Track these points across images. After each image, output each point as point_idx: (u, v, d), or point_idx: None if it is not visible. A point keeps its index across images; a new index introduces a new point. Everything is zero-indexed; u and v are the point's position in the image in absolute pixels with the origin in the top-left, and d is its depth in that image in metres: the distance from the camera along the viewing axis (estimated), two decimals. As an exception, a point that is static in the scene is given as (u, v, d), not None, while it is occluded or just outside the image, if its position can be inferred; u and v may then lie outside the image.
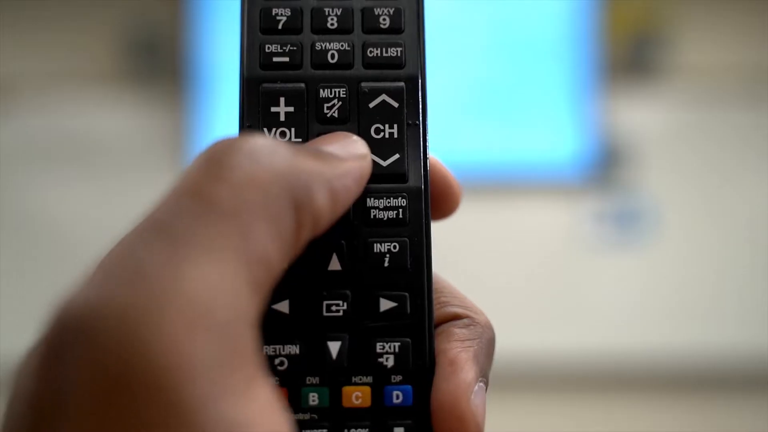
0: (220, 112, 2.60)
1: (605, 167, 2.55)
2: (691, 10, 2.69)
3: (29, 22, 2.83)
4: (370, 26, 0.21)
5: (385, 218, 0.20)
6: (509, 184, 2.59)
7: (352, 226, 0.20)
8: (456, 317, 0.21)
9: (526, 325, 2.46)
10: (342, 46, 0.21)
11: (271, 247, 0.16)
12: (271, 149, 0.17)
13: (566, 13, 2.52)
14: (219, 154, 0.16)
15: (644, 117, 2.62)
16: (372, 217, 0.20)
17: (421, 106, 0.21)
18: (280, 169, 0.17)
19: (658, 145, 2.60)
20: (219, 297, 0.14)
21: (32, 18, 2.80)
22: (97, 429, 0.13)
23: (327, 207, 0.18)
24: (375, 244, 0.20)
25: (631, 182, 2.57)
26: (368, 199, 0.20)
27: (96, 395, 0.13)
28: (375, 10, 0.21)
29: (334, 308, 0.19)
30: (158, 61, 2.69)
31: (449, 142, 2.49)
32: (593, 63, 2.55)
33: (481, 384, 0.19)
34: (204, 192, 0.16)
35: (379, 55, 0.21)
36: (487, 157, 2.59)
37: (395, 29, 0.21)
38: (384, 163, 0.20)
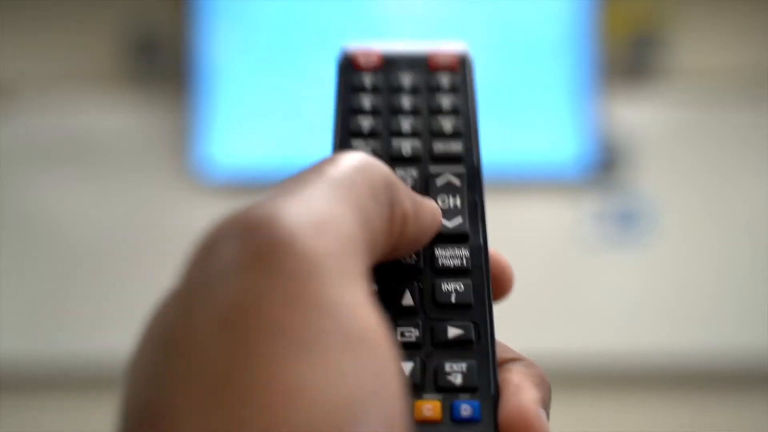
0: (220, 112, 2.61)
1: (604, 167, 2.55)
2: (690, 10, 2.69)
3: (30, 22, 2.84)
4: (437, 130, 0.26)
5: (451, 265, 0.23)
6: (508, 183, 2.59)
7: (423, 270, 0.23)
8: (517, 359, 0.23)
9: (525, 325, 2.46)
10: (414, 143, 0.25)
11: (378, 221, 0.19)
12: (374, 159, 0.21)
13: (566, 12, 2.53)
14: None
15: (643, 117, 2.63)
16: (440, 264, 0.23)
17: (478, 185, 0.25)
18: (382, 170, 0.20)
19: (657, 145, 2.60)
20: (339, 219, 0.18)
21: (33, 18, 2.80)
22: (250, 285, 0.15)
23: (412, 216, 0.21)
24: (443, 284, 0.23)
25: (630, 182, 2.58)
26: (436, 249, 0.23)
27: (247, 262, 0.16)
28: (439, 119, 0.26)
29: (407, 334, 0.22)
30: (159, 61, 2.70)
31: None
32: (593, 63, 2.56)
33: (543, 411, 0.21)
34: (322, 169, 0.19)
35: (443, 150, 0.25)
36: (486, 157, 2.59)
37: (457, 133, 0.25)
38: (450, 225, 0.24)
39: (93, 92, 2.75)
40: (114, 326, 2.49)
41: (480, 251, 0.24)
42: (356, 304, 0.16)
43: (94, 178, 2.65)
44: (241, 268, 0.16)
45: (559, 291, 2.52)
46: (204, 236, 0.17)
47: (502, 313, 0.25)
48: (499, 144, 2.63)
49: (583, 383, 2.45)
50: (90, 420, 2.48)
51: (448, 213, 0.24)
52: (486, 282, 0.23)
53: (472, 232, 0.24)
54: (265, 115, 2.43)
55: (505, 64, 2.47)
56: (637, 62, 2.65)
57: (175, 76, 2.72)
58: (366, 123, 0.25)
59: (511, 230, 2.54)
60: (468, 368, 0.21)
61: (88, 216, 2.67)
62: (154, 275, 2.29)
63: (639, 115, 2.63)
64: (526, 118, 2.58)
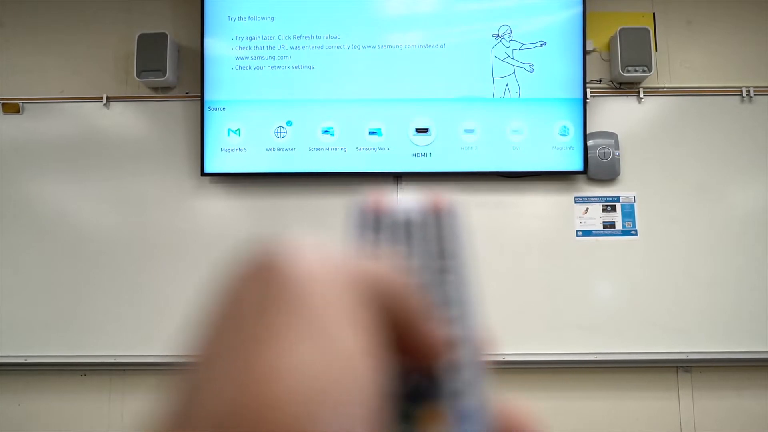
0: (222, 115, 2.65)
1: (596, 164, 2.60)
2: (682, 11, 2.72)
3: (48, 19, 2.83)
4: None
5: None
6: (500, 176, 2.63)
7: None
8: None
9: (507, 315, 2.51)
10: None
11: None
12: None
13: (564, 13, 2.53)
14: None
15: (635, 116, 2.67)
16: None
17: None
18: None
19: (647, 143, 2.64)
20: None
21: (47, 14, 2.82)
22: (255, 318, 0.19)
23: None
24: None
25: (620, 179, 2.63)
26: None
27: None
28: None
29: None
30: (166, 66, 2.70)
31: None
32: (583, 61, 2.60)
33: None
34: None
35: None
36: (485, 157, 2.63)
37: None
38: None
39: (104, 95, 2.75)
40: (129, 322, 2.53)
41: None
42: (338, 318, 0.19)
43: (107, 179, 2.68)
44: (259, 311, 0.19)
45: (547, 284, 2.57)
46: (229, 282, 0.20)
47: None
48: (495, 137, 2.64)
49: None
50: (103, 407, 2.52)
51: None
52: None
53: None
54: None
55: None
56: (628, 60, 2.66)
57: (184, 82, 2.72)
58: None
59: (496, 220, 2.57)
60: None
61: (101, 216, 2.66)
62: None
63: (630, 114, 2.67)
64: (523, 114, 2.60)
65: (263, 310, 0.19)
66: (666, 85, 2.69)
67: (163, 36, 2.65)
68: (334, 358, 0.18)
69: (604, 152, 2.60)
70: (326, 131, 2.64)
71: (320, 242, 0.22)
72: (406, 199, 0.29)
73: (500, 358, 2.19)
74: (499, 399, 0.23)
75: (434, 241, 0.27)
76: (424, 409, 0.22)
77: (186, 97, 2.71)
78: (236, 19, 2.67)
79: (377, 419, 0.19)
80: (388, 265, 0.23)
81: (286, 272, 0.20)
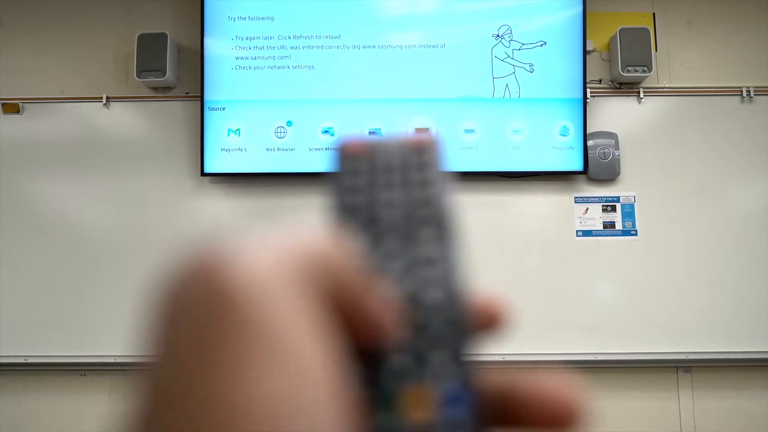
0: (222, 115, 2.65)
1: (596, 164, 2.60)
2: (682, 11, 2.72)
3: (48, 19, 2.83)
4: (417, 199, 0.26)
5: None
6: (500, 176, 2.63)
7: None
8: None
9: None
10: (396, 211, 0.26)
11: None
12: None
13: (564, 12, 2.53)
14: None
15: (635, 116, 2.67)
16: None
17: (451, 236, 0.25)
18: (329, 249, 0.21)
19: (647, 143, 2.64)
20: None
21: (47, 14, 2.82)
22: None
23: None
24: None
25: (620, 179, 2.63)
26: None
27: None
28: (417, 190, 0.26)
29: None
30: (166, 66, 2.70)
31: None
32: (583, 61, 2.60)
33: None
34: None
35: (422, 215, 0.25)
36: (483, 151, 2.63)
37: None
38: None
39: (104, 95, 2.75)
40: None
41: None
42: (295, 333, 0.17)
43: (106, 179, 2.68)
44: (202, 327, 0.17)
45: (547, 283, 2.57)
46: (167, 295, 0.18)
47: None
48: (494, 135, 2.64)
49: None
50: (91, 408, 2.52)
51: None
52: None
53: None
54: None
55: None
56: (628, 60, 2.66)
57: (183, 81, 2.72)
58: (356, 197, 0.26)
59: (496, 219, 2.56)
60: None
61: (102, 217, 2.66)
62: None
63: (630, 113, 2.67)
64: (523, 113, 2.60)
65: (211, 332, 0.17)
66: (666, 85, 2.69)
67: (163, 36, 2.65)
68: (296, 380, 0.17)
69: (604, 152, 2.60)
70: (326, 131, 2.64)
71: (260, 232, 0.20)
72: (385, 138, 0.27)
73: (500, 358, 2.19)
74: (489, 376, 0.21)
75: (417, 187, 0.26)
76: (408, 390, 0.20)
77: (186, 97, 2.71)
78: (236, 19, 2.67)
79: (352, 426, 0.18)
80: (329, 237, 0.21)
81: (229, 282, 0.18)
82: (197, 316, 0.17)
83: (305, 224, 0.21)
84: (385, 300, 0.21)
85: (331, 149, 0.27)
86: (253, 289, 0.18)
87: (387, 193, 0.25)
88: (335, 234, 0.21)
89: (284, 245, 0.19)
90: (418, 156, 0.27)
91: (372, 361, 0.21)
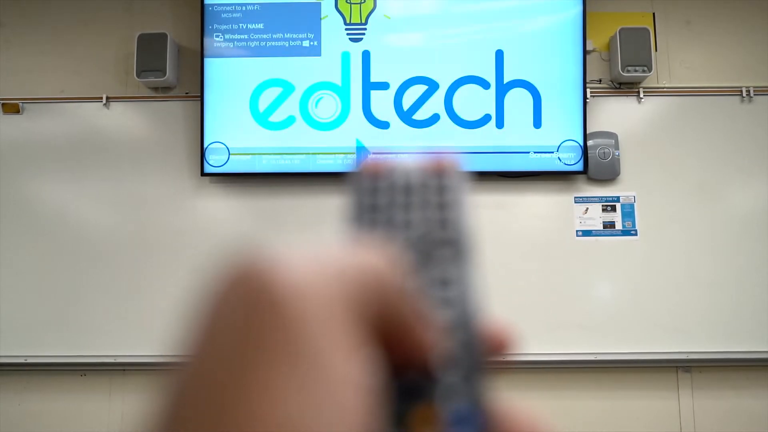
0: (226, 118, 2.65)
1: (596, 164, 2.60)
2: (682, 11, 2.73)
3: (48, 19, 2.83)
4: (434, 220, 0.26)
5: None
6: (500, 176, 2.63)
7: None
8: None
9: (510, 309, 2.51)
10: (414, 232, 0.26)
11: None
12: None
13: (564, 13, 2.53)
14: None
15: (635, 116, 2.67)
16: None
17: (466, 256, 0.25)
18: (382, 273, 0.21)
19: (647, 143, 2.64)
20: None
21: (47, 14, 2.82)
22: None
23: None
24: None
25: (620, 179, 2.63)
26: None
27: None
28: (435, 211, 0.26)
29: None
30: (166, 66, 2.70)
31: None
32: (583, 61, 2.60)
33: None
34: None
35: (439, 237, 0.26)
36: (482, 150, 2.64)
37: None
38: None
39: (104, 95, 2.75)
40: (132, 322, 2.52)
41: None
42: (332, 355, 0.17)
43: (107, 179, 2.68)
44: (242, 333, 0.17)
45: (548, 282, 2.57)
46: (211, 297, 0.18)
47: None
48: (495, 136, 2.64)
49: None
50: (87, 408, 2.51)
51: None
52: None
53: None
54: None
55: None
56: (628, 60, 2.66)
57: (185, 81, 2.72)
58: (376, 216, 0.26)
59: (498, 219, 2.57)
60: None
61: (100, 216, 2.66)
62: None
63: (629, 113, 2.67)
64: (522, 112, 2.60)
65: (251, 341, 0.17)
66: (666, 85, 2.69)
67: (163, 36, 2.65)
68: (328, 405, 0.16)
69: (604, 152, 2.60)
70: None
71: (308, 243, 0.19)
72: (406, 160, 0.27)
73: (499, 358, 2.19)
74: (499, 398, 0.21)
75: (435, 209, 0.26)
76: (417, 409, 0.20)
77: (186, 97, 2.71)
78: (236, 18, 2.67)
79: None
80: (380, 255, 0.20)
81: (278, 292, 0.17)
82: (240, 322, 0.17)
83: (358, 239, 0.21)
84: (431, 328, 0.21)
85: (352, 168, 0.27)
86: (301, 304, 0.17)
87: (405, 213, 0.26)
88: (387, 253, 0.21)
89: (337, 260, 0.19)
90: (438, 179, 0.27)
91: (385, 377, 0.21)
